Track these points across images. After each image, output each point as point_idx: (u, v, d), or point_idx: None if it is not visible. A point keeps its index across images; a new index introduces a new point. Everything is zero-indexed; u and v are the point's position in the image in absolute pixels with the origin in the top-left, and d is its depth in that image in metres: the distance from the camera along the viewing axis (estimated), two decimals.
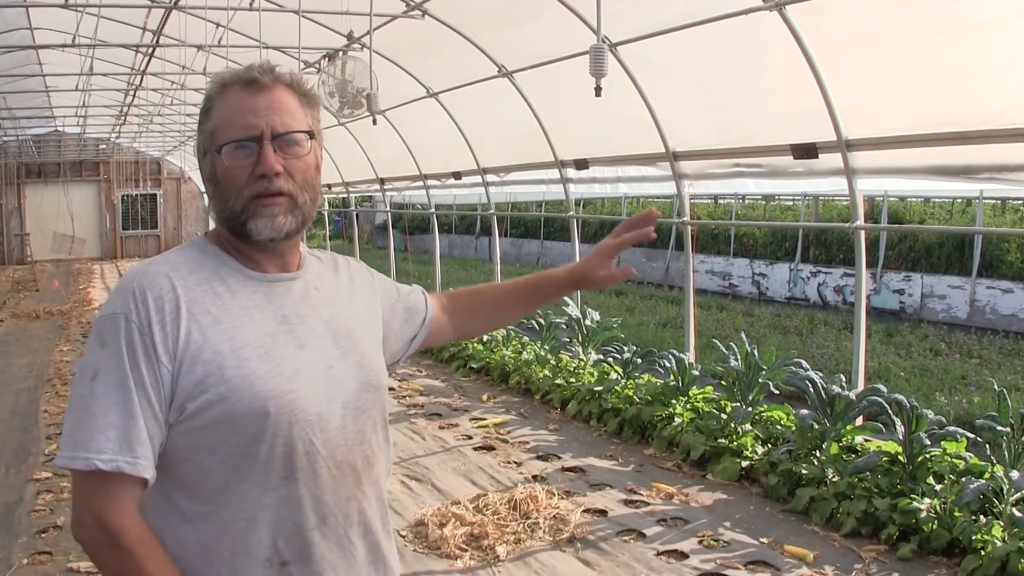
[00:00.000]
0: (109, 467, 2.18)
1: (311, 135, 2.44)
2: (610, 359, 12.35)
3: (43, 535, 7.66)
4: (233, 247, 2.46)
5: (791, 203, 33.55)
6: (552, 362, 13.13)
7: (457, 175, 17.29)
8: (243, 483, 2.30)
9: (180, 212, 44.10)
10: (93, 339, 2.31)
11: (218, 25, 15.47)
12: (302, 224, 2.44)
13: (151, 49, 18.09)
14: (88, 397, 2.23)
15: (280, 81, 2.43)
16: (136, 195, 43.01)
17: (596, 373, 12.16)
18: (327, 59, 13.42)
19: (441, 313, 3.03)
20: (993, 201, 27.39)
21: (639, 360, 11.54)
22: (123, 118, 30.79)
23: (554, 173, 13.96)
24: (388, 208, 24.79)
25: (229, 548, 2.31)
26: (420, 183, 19.10)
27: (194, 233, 42.64)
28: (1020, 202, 27.85)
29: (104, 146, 41.34)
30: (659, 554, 7.19)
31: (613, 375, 11.80)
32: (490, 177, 16.14)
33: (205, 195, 2.58)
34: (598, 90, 8.01)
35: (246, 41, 15.09)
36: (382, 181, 21.15)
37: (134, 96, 25.24)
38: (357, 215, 30.21)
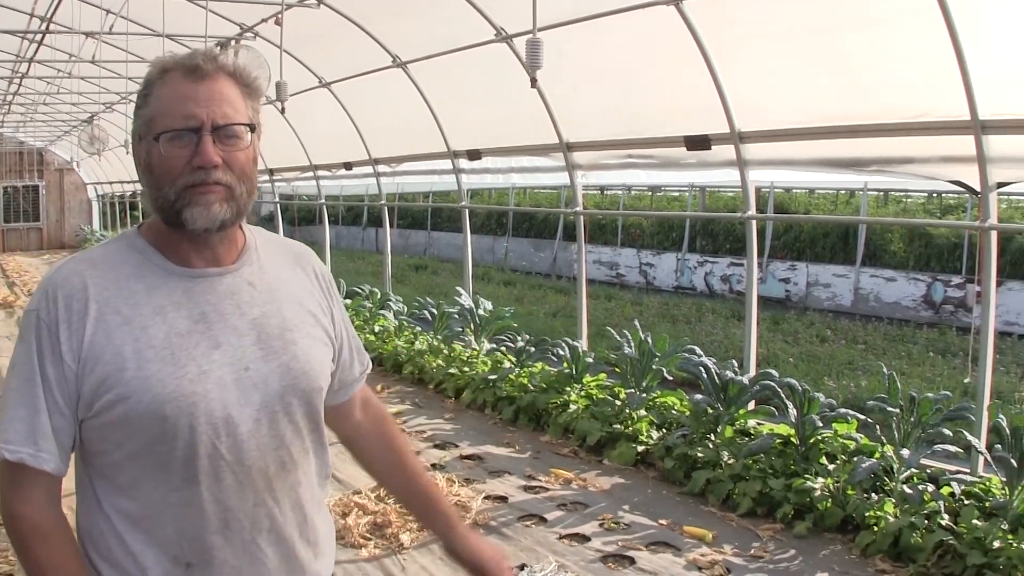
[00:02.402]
0: (13, 458, 2.24)
1: (252, 128, 2.38)
2: (503, 348, 12.45)
3: None
4: (162, 239, 2.41)
5: (677, 194, 33.88)
6: (445, 352, 13.15)
7: (348, 165, 17.22)
8: (149, 480, 2.30)
9: (63, 204, 43.04)
10: (19, 332, 2.36)
11: (108, 12, 15.22)
12: (237, 215, 2.37)
13: (40, 36, 17.73)
14: (6, 389, 2.28)
15: (223, 70, 2.36)
16: (19, 187, 41.95)
17: (490, 362, 12.22)
18: (219, 48, 13.31)
19: (355, 409, 2.88)
20: (876, 193, 27.98)
21: (532, 349, 11.66)
22: (7, 107, 30.04)
23: (447, 164, 13.99)
24: (276, 199, 24.58)
25: (143, 540, 2.32)
26: (310, 174, 18.96)
27: (78, 226, 41.96)
28: (902, 193, 28.48)
29: None
30: (561, 538, 7.30)
31: (507, 364, 11.88)
32: (382, 168, 16.10)
33: (140, 184, 2.50)
34: (533, 81, 8.08)
35: (137, 29, 14.91)
36: (271, 172, 20.90)
37: (19, 85, 24.66)
38: None
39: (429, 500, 2.89)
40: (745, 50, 8.99)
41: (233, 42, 12.91)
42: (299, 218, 39.74)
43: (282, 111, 11.56)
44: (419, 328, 14.70)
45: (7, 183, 41.63)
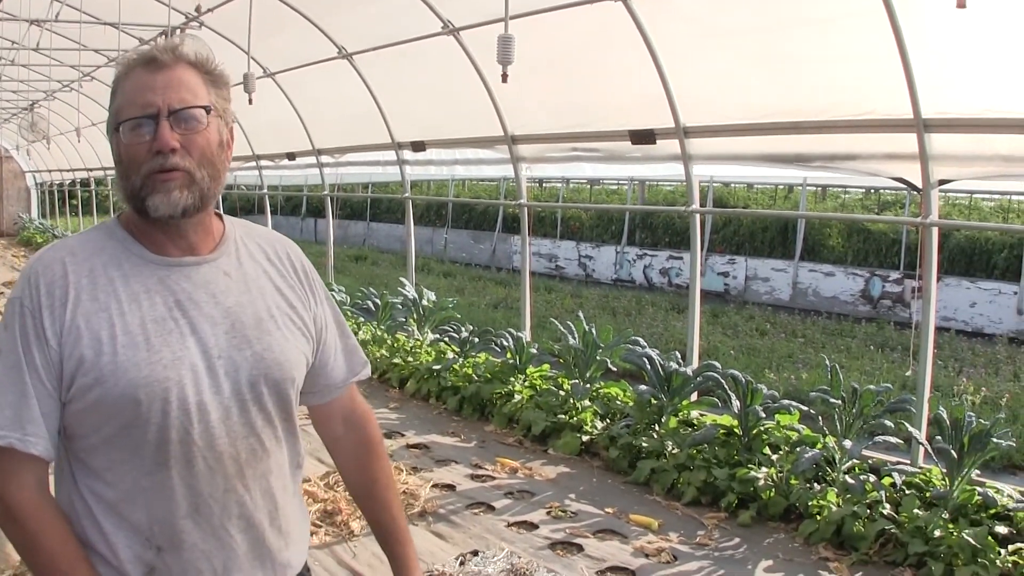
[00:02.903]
0: (2, 443, 2.26)
1: (208, 110, 2.40)
2: (447, 339, 12.46)
3: None
4: (138, 229, 2.44)
5: (616, 187, 33.97)
6: (389, 342, 13.19)
7: (291, 156, 17.18)
8: (123, 464, 2.33)
9: (1, 192, 42.59)
10: (2, 321, 2.39)
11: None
12: (201, 200, 2.39)
13: None
14: None
15: (182, 59, 2.41)
16: None
17: (434, 352, 12.28)
18: (163, 36, 13.25)
19: (336, 421, 2.85)
20: (814, 188, 28.21)
21: (476, 340, 11.70)
22: None
23: (391, 155, 14.01)
24: None
25: (115, 523, 2.35)
26: (253, 164, 18.88)
27: (16, 214, 41.43)
28: (840, 189, 28.77)
29: None
30: (510, 525, 7.38)
31: (450, 354, 11.92)
32: (325, 158, 16.11)
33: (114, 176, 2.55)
34: (504, 77, 8.09)
35: (79, 16, 14.79)
36: None
37: None
38: None
39: (390, 538, 2.86)
40: (692, 46, 9.09)
41: (179, 31, 12.85)
42: (239, 208, 39.50)
43: (250, 102, 11.52)
44: (362, 318, 14.66)
45: None
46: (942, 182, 7.33)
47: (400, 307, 13.70)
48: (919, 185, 7.34)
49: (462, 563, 6.41)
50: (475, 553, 6.55)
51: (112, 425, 2.31)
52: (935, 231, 7.47)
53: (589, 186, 35.25)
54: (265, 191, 19.74)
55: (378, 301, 14.20)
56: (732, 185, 30.09)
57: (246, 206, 39.02)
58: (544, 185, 36.28)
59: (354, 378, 2.85)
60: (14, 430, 2.27)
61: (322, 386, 2.76)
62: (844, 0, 7.46)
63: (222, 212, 2.64)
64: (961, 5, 5.59)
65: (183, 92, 2.37)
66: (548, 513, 7.63)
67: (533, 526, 7.37)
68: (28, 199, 42.64)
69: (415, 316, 13.32)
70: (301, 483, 2.72)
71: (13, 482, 2.30)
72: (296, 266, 2.68)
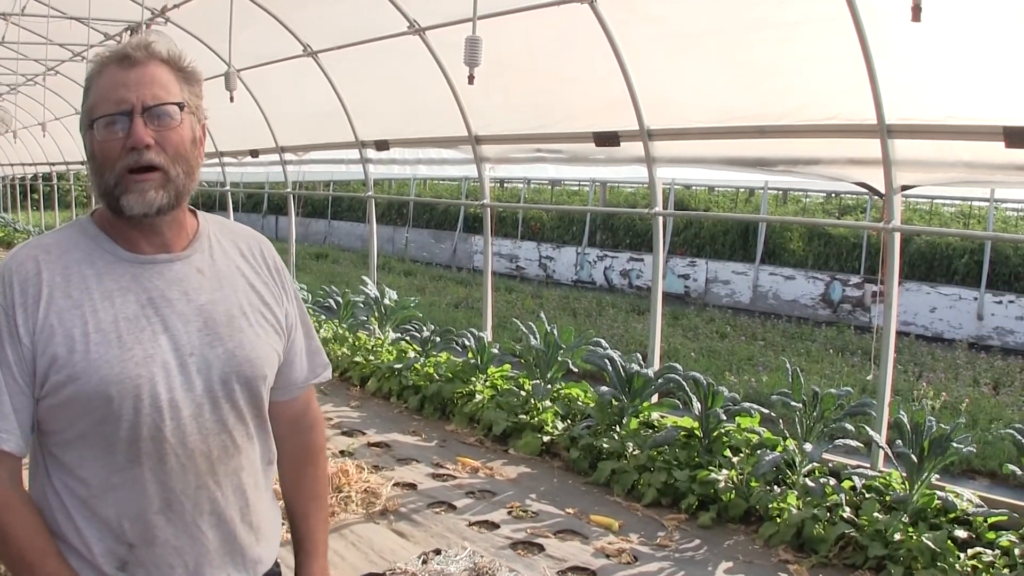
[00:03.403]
0: None
1: (182, 106, 2.41)
2: (408, 338, 12.46)
3: None
4: (112, 226, 2.46)
5: (577, 188, 34.01)
6: (351, 340, 13.17)
7: (254, 153, 17.11)
8: (96, 461, 2.35)
9: None
10: None
11: None
12: (177, 197, 2.41)
13: None
14: None
15: (155, 56, 2.42)
16: None
17: (395, 351, 12.27)
18: (129, 32, 13.21)
19: (282, 421, 2.80)
20: (776, 191, 28.30)
21: (437, 339, 11.71)
22: None
23: (354, 153, 13.99)
24: None
25: (88, 517, 2.37)
26: (216, 160, 18.75)
27: None
28: (801, 193, 28.84)
29: None
30: (471, 524, 7.39)
31: (412, 353, 11.92)
32: (288, 156, 16.04)
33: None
34: (471, 79, 8.08)
35: (47, 11, 14.71)
36: None
37: None
38: None
39: (299, 548, 2.85)
40: (657, 49, 9.09)
41: (144, 27, 12.79)
42: (201, 204, 39.36)
43: (231, 99, 11.47)
44: (323, 316, 14.66)
45: None
46: (905, 188, 7.39)
47: (362, 305, 13.68)
48: (882, 190, 7.39)
49: (424, 562, 6.44)
50: (437, 552, 6.60)
51: (85, 421, 2.32)
52: (897, 236, 7.54)
53: (551, 187, 35.27)
54: (227, 188, 19.64)
55: (340, 299, 14.19)
56: (694, 187, 30.15)
57: (208, 202, 38.91)
58: (505, 185, 36.27)
59: (315, 379, 2.86)
60: None
61: (282, 384, 2.75)
62: (810, 5, 7.50)
63: (196, 209, 2.65)
64: (916, 19, 5.66)
65: (156, 89, 2.38)
66: (509, 513, 7.65)
67: (495, 525, 7.39)
68: None
69: (377, 315, 13.30)
70: (272, 480, 2.73)
71: None
72: (269, 263, 2.70)
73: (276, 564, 2.71)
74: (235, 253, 2.64)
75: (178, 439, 2.37)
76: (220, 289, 2.52)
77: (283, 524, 2.81)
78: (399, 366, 11.48)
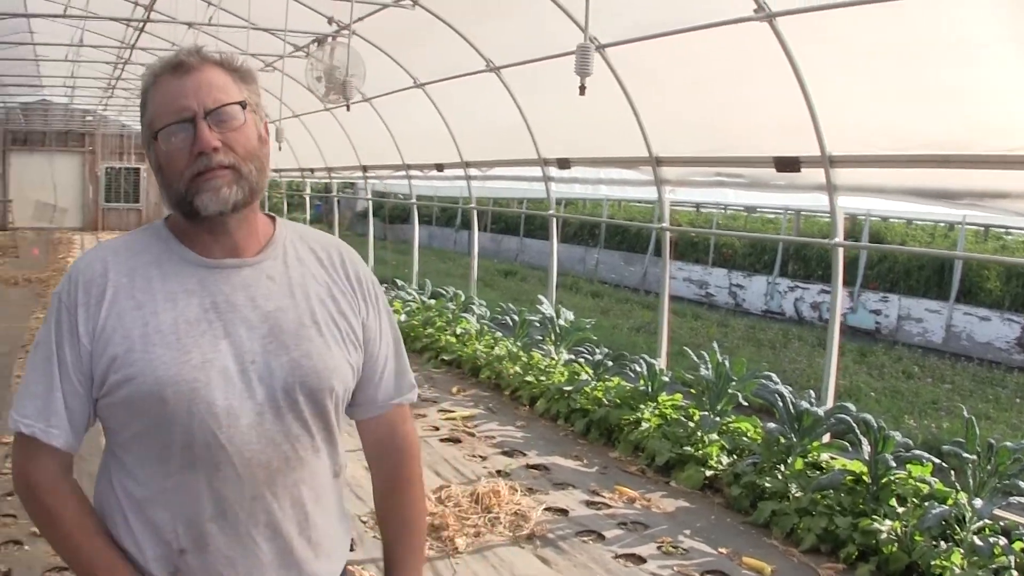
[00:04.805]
0: (27, 431, 2.36)
1: (244, 105, 2.42)
2: (581, 359, 12.36)
3: (9, 498, 7.58)
4: (184, 231, 2.46)
5: (773, 216, 33.42)
6: (524, 359, 13.07)
7: (440, 167, 17.24)
8: (152, 463, 2.37)
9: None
10: (47, 313, 2.46)
11: (209, 3, 15.40)
12: (251, 194, 2.42)
13: (141, 24, 17.99)
14: (29, 365, 2.43)
15: (208, 61, 2.42)
16: (120, 168, 42.81)
17: (567, 373, 12.12)
18: (316, 44, 13.37)
19: (368, 443, 2.79)
20: (976, 227, 27.26)
21: (610, 363, 11.58)
22: (111, 91, 30.75)
23: (536, 171, 13.93)
24: (369, 196, 24.62)
25: (143, 521, 2.38)
26: (403, 173, 19.02)
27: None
28: (1003, 230, 27.72)
29: (91, 118, 41.21)
30: (617, 557, 7.19)
31: (583, 376, 11.76)
32: (472, 171, 16.09)
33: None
34: (582, 89, 7.98)
35: (235, 20, 15.03)
36: (364, 168, 21.08)
37: (123, 70, 25.15)
38: (339, 201, 30.08)
39: (388, 540, 2.81)
40: (834, 69, 8.73)
41: (330, 39, 12.94)
42: (391, 216, 39.89)
43: (347, 109, 11.58)
44: (499, 333, 14.67)
45: (108, 164, 42.36)
46: None
47: (537, 325, 13.67)
48: None
49: None
50: None
51: (141, 422, 2.36)
52: None
53: (746, 213, 34.80)
54: (414, 200, 19.75)
55: (516, 317, 14.15)
56: (890, 220, 29.28)
57: (401, 214, 39.52)
58: (701, 210, 35.92)
59: (398, 399, 2.78)
60: (39, 420, 2.36)
61: (361, 401, 2.71)
62: (1002, 24, 7.08)
63: (276, 216, 2.64)
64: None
65: (215, 92, 2.39)
66: (659, 548, 7.41)
67: (641, 559, 7.17)
68: None
69: (551, 335, 13.18)
70: (340, 494, 2.67)
71: (35, 464, 2.40)
72: (350, 272, 2.66)
73: None
74: (312, 261, 2.60)
75: (235, 448, 2.36)
76: (290, 297, 2.50)
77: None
78: (569, 388, 11.32)
